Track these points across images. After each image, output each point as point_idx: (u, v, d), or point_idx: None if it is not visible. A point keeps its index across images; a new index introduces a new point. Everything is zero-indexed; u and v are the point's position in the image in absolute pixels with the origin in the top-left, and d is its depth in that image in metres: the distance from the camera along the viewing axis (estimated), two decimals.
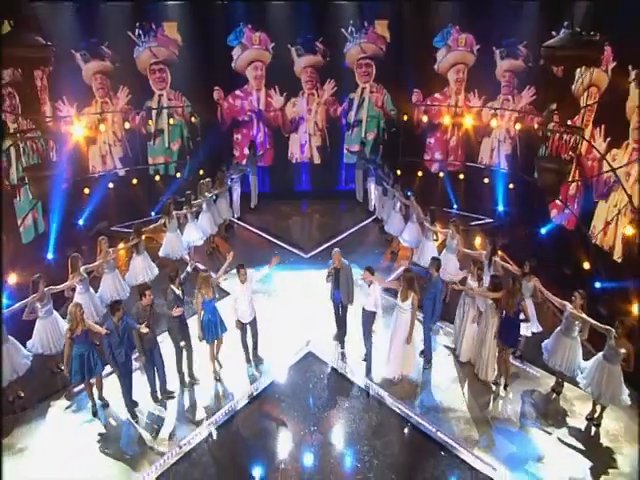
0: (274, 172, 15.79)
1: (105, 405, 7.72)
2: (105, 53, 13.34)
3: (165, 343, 8.11)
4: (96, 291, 9.05)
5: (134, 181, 14.09)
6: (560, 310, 7.87)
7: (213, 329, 7.97)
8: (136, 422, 7.48)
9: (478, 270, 8.37)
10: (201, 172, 14.04)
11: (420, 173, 15.05)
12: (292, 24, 14.27)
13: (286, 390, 8.13)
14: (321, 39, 14.45)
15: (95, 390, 7.67)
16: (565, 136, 9.57)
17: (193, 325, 8.11)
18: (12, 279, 8.63)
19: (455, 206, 14.50)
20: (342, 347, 9.03)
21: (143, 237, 10.02)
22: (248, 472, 6.74)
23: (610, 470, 6.69)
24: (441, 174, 14.99)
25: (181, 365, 8.16)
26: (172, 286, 7.73)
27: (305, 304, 10.15)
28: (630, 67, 9.61)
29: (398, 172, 13.82)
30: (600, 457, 6.88)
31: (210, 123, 14.66)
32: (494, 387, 8.09)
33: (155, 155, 14.75)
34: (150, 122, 14.26)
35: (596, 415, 7.36)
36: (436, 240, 10.50)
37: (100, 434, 7.27)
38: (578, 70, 10.15)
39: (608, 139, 10.42)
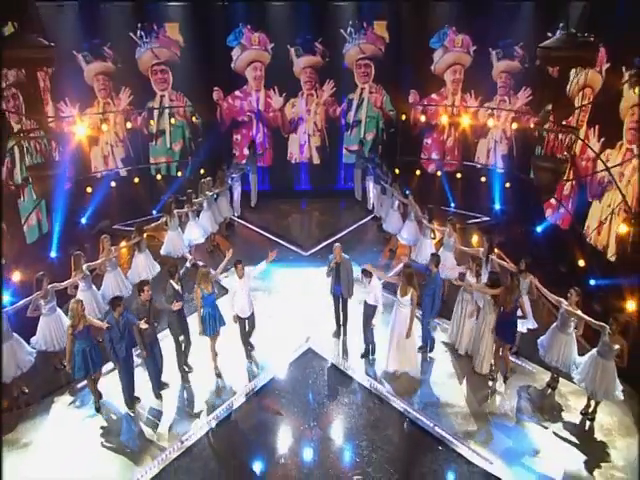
0: (274, 172, 15.84)
1: (100, 398, 7.79)
2: (107, 54, 13.33)
3: (165, 342, 8.22)
4: (98, 289, 9.14)
5: (136, 180, 14.16)
6: (556, 307, 7.99)
7: (213, 323, 8.07)
8: (135, 417, 7.56)
9: (477, 267, 8.49)
10: (202, 171, 14.13)
11: (418, 172, 15.14)
12: (291, 25, 14.27)
13: (286, 386, 8.22)
14: (320, 40, 14.45)
15: (97, 386, 7.75)
16: (560, 136, 9.67)
17: (194, 322, 8.21)
18: (16, 277, 8.73)
19: (452, 204, 14.59)
20: (345, 333, 9.21)
21: (145, 235, 10.13)
22: (249, 466, 6.82)
23: (604, 463, 6.80)
24: (439, 173, 15.07)
25: (181, 360, 8.28)
26: (171, 281, 7.86)
27: (305, 301, 10.24)
28: (624, 68, 9.67)
29: (396, 171, 13.91)
30: (594, 451, 6.99)
31: (210, 123, 14.71)
32: (491, 383, 8.20)
33: (157, 155, 14.76)
34: (152, 122, 14.28)
35: (590, 410, 7.46)
36: (434, 238, 10.60)
37: (103, 429, 7.36)
38: (573, 71, 10.23)
39: (602, 139, 10.48)
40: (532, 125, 11.76)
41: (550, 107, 9.83)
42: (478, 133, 14.62)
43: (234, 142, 15.40)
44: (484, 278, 8.46)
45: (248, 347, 8.73)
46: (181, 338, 8.09)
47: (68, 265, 8.63)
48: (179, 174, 14.74)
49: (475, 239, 12.16)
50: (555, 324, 7.75)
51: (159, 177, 14.74)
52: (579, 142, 10.86)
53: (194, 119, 14.49)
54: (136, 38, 13.54)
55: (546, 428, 7.36)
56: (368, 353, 8.76)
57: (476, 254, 8.94)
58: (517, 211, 13.63)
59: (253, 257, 8.61)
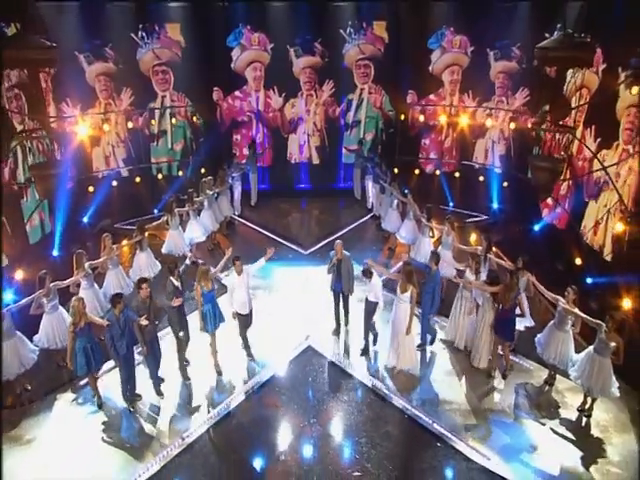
0: (273, 172, 15.91)
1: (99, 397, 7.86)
2: (108, 55, 13.37)
3: (165, 340, 8.33)
4: (100, 287, 9.22)
5: (137, 179, 14.23)
6: (553, 305, 8.04)
7: (213, 320, 8.16)
8: (137, 414, 7.64)
9: (476, 264, 8.57)
10: (202, 171, 14.21)
11: (417, 171, 15.22)
12: (291, 25, 14.33)
13: (286, 383, 8.29)
14: (320, 40, 14.52)
15: (99, 383, 7.83)
16: (558, 136, 9.74)
17: (194, 320, 8.29)
18: (19, 275, 8.81)
19: (451, 203, 14.65)
20: (346, 324, 9.33)
21: (146, 234, 10.20)
22: (249, 463, 6.88)
23: (600, 459, 6.87)
24: (437, 172, 15.13)
25: (183, 356, 8.35)
26: (171, 278, 7.96)
27: (304, 299, 10.32)
28: (620, 69, 9.72)
29: (395, 170, 14.01)
30: (591, 447, 7.06)
31: (210, 124, 14.77)
32: (489, 380, 8.27)
33: (158, 156, 14.81)
34: (153, 122, 14.32)
35: (587, 406, 7.54)
36: (432, 237, 10.67)
37: (105, 426, 7.42)
38: (570, 71, 10.29)
39: (598, 140, 10.54)
40: (530, 125, 11.82)
41: (547, 108, 9.88)
42: (476, 133, 14.68)
43: (234, 142, 15.45)
44: (483, 276, 8.55)
45: (247, 343, 8.79)
46: (181, 334, 8.18)
47: (70, 264, 8.70)
48: (180, 173, 14.80)
49: (473, 238, 12.23)
50: (552, 322, 7.83)
51: (160, 176, 14.79)
52: (576, 142, 10.93)
53: (194, 119, 14.54)
54: (137, 39, 13.59)
55: (543, 424, 7.43)
56: (368, 350, 8.85)
57: (474, 252, 9.02)
58: (515, 210, 13.69)
59: (253, 255, 8.66)
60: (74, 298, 7.35)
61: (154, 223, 11.14)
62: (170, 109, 14.45)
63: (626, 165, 9.57)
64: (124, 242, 10.40)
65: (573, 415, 7.60)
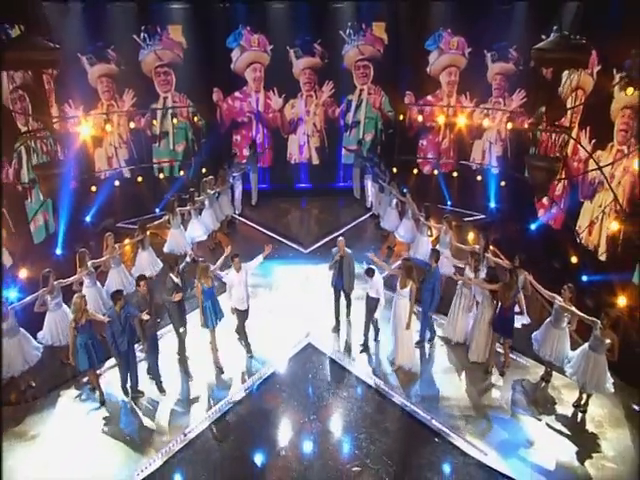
0: (273, 172, 15.96)
1: (93, 389, 7.98)
2: (111, 56, 13.39)
3: (165, 339, 8.45)
4: (103, 285, 9.32)
5: (139, 179, 14.30)
6: (550, 302, 8.14)
7: (213, 315, 8.31)
8: (139, 410, 7.74)
9: (475, 262, 8.66)
10: (203, 170, 14.29)
11: (415, 171, 15.28)
12: (290, 26, 14.33)
13: (286, 380, 8.39)
14: (319, 41, 14.53)
15: (101, 379, 7.96)
16: (554, 136, 9.84)
17: (195, 318, 8.44)
18: (23, 274, 8.92)
19: (449, 203, 14.71)
20: (348, 315, 9.47)
21: (148, 233, 10.30)
22: (250, 458, 6.98)
23: (595, 454, 6.98)
24: (435, 172, 15.22)
25: (183, 352, 8.47)
26: (171, 274, 8.10)
27: (304, 297, 10.42)
28: (614, 71, 9.80)
29: (394, 170, 14.10)
30: (586, 442, 7.17)
31: (210, 124, 14.84)
32: (486, 376, 8.37)
33: (160, 157, 14.84)
34: (155, 122, 14.36)
35: (582, 402, 7.64)
36: (430, 235, 10.76)
37: (107, 422, 7.52)
38: (565, 73, 10.38)
39: (593, 141, 10.62)
40: (526, 125, 11.90)
41: (544, 109, 9.98)
42: (473, 134, 14.72)
43: (234, 143, 15.48)
44: (482, 274, 8.63)
45: (246, 338, 8.88)
46: (182, 329, 8.30)
47: (73, 262, 8.82)
48: (181, 173, 14.85)
49: (471, 236, 12.32)
50: (549, 319, 7.92)
51: (162, 176, 14.86)
52: (570, 144, 11.01)
53: (195, 119, 14.59)
54: (139, 40, 13.61)
55: (540, 420, 7.54)
56: (367, 347, 8.96)
57: (473, 250, 9.08)
58: (511, 209, 13.78)
59: (254, 254, 8.75)
60: (76, 295, 7.46)
61: (156, 222, 11.24)
62: (172, 109, 14.48)
63: (620, 166, 9.65)
64: (126, 241, 10.48)
65: (569, 411, 7.71)
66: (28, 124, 10.27)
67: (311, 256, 12.22)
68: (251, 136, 15.42)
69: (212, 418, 7.57)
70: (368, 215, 14.37)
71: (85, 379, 8.13)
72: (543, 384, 8.23)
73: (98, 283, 9.10)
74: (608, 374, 7.24)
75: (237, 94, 15.06)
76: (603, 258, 10.06)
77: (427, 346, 9.09)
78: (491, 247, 9.70)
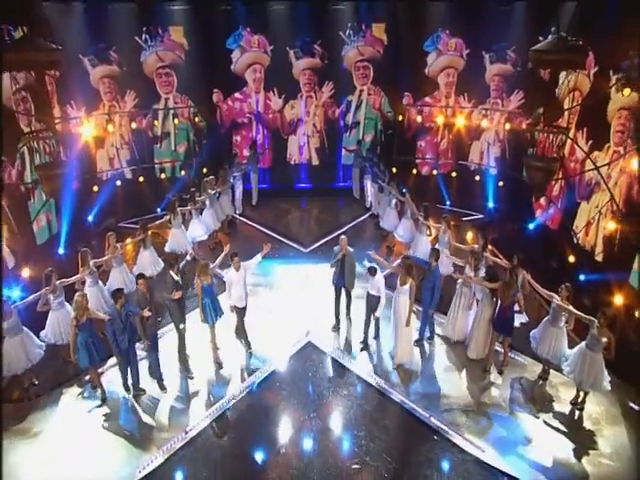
0: (274, 172, 16.01)
1: (94, 387, 8.05)
2: (112, 57, 13.43)
3: (164, 338, 8.51)
4: (105, 284, 9.39)
5: (140, 179, 14.36)
6: (547, 301, 8.22)
7: (213, 312, 8.41)
8: (140, 408, 7.79)
9: (475, 261, 8.71)
10: (204, 170, 14.36)
11: (414, 171, 15.34)
12: (290, 27, 14.37)
13: (287, 378, 8.46)
14: (319, 42, 14.57)
15: (103, 378, 8.04)
16: (551, 137, 9.89)
17: (195, 316, 8.52)
18: (26, 273, 8.98)
19: (448, 202, 14.75)
20: (348, 313, 9.52)
21: (149, 233, 10.39)
22: (251, 456, 7.03)
23: (591, 451, 7.05)
24: (434, 172, 15.28)
25: (183, 349, 8.53)
26: (171, 272, 8.19)
27: (304, 296, 10.48)
28: (611, 72, 9.84)
29: (393, 170, 14.17)
30: (583, 439, 7.24)
31: (211, 125, 14.90)
32: (485, 374, 8.44)
33: (162, 158, 14.90)
34: (156, 123, 14.41)
35: (579, 400, 7.71)
36: (429, 235, 10.83)
37: (109, 419, 7.58)
38: (563, 74, 10.43)
39: (590, 142, 10.67)
40: (524, 126, 11.95)
41: (541, 110, 10.04)
42: (472, 135, 14.76)
43: (234, 143, 15.52)
44: (481, 273, 8.70)
45: (245, 335, 8.96)
46: (182, 326, 8.38)
47: (76, 261, 8.90)
48: (182, 173, 14.91)
49: (469, 236, 12.39)
50: (547, 318, 7.98)
51: (163, 176, 14.91)
52: (567, 145, 11.07)
53: (197, 120, 14.63)
54: (141, 42, 13.65)
55: (537, 417, 7.61)
56: (367, 345, 9.03)
57: (473, 250, 9.15)
58: (509, 209, 13.84)
59: (254, 253, 8.81)
60: (77, 294, 7.53)
61: (157, 222, 11.35)
62: (172, 109, 14.52)
63: (617, 167, 9.70)
64: (128, 240, 10.55)
65: (566, 408, 7.77)
66: (31, 125, 10.32)
67: (311, 255, 12.27)
68: (251, 137, 15.47)
69: (213, 416, 7.63)
70: (367, 215, 14.42)
71: (87, 377, 8.18)
72: (541, 382, 8.29)
73: (100, 282, 9.18)
74: (605, 372, 7.30)
75: (237, 95, 15.10)
76: (600, 258, 10.12)
77: (426, 344, 9.16)
78: (489, 247, 9.76)
